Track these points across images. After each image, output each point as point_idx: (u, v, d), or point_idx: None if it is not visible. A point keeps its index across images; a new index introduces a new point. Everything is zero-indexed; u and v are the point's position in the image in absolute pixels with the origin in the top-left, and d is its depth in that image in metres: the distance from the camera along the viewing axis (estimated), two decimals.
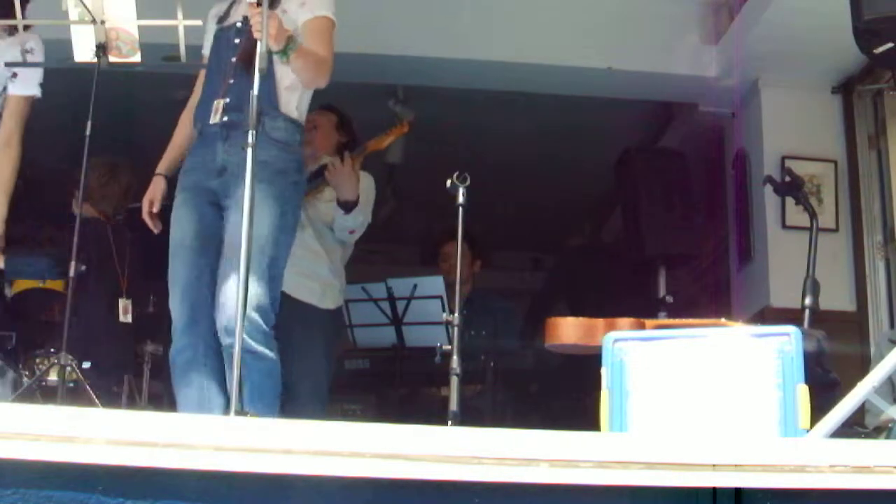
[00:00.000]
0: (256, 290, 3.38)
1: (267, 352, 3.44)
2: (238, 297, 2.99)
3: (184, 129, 3.84)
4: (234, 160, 3.50)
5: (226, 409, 3.36)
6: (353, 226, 4.44)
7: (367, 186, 4.53)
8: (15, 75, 3.91)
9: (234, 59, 3.59)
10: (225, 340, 3.40)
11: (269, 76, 3.50)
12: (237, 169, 3.46)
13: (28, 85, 3.94)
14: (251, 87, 3.21)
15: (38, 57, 3.93)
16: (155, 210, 3.73)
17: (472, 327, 5.00)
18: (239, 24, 3.66)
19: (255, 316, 3.39)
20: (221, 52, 3.69)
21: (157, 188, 3.76)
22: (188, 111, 3.82)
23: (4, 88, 3.94)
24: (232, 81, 3.58)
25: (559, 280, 6.97)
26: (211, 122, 3.57)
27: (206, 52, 3.78)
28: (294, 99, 3.67)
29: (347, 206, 4.35)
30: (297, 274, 4.28)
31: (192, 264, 3.53)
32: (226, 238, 3.49)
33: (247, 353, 3.34)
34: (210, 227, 3.55)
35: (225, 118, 3.56)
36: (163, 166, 3.83)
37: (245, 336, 3.27)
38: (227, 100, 3.56)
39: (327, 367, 4.44)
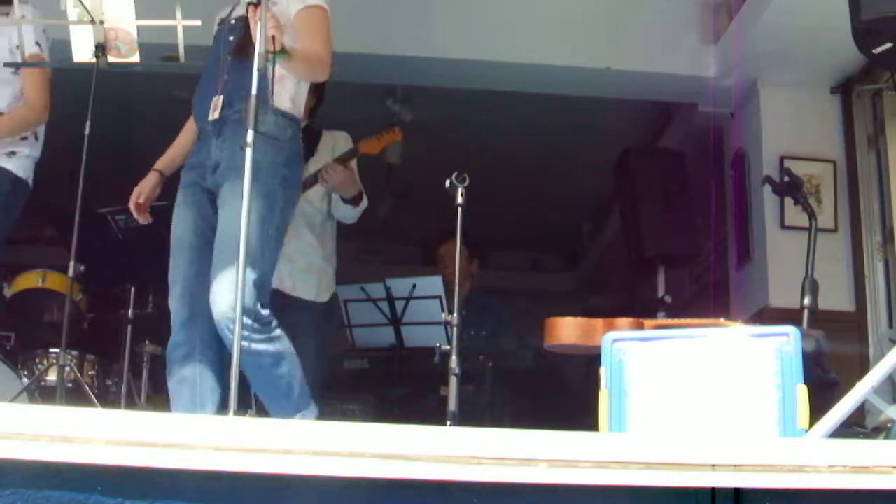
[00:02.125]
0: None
1: (260, 347, 3.37)
2: (238, 298, 2.99)
3: (188, 130, 3.86)
4: (225, 156, 3.50)
5: (219, 407, 3.38)
6: (359, 213, 4.58)
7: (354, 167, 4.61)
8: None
9: (228, 56, 3.58)
10: (222, 332, 3.38)
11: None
12: (227, 164, 3.47)
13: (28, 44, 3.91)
14: (244, 80, 3.18)
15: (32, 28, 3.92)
16: (141, 201, 3.75)
17: (470, 327, 5.00)
18: (233, 22, 3.65)
19: (245, 319, 3.36)
20: (219, 50, 3.68)
21: (148, 182, 3.79)
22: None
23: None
24: (226, 77, 3.58)
25: None
26: (209, 119, 3.56)
27: None
28: (287, 90, 3.61)
29: (354, 201, 4.44)
30: (295, 270, 4.32)
31: (190, 261, 3.53)
32: (217, 238, 3.47)
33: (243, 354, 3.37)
34: (210, 224, 3.54)
35: (217, 115, 3.55)
36: (161, 163, 3.84)
37: (223, 329, 3.32)
38: (222, 96, 3.55)
39: (321, 363, 4.48)
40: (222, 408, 3.06)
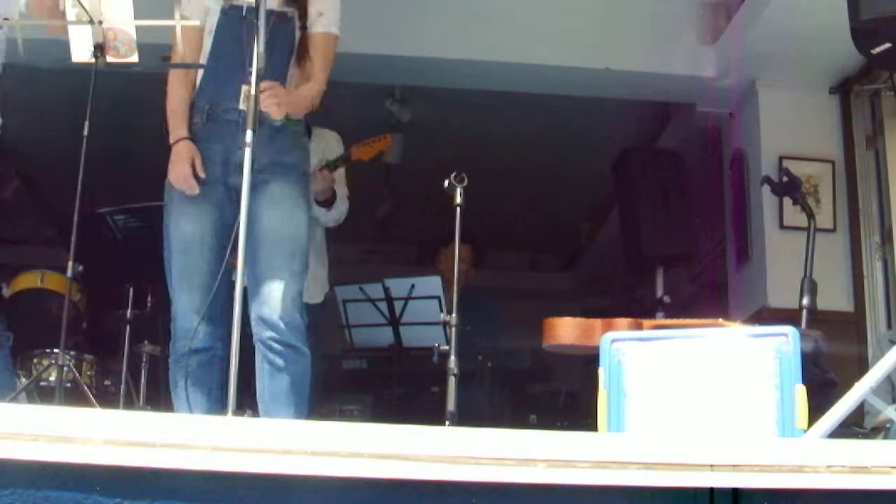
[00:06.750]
0: (295, 290, 3.44)
1: (305, 349, 3.45)
2: (237, 297, 2.98)
3: (184, 86, 3.62)
4: (268, 152, 3.39)
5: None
6: (338, 217, 4.53)
7: (339, 173, 4.55)
8: None
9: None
10: (263, 333, 3.38)
11: (283, 79, 3.51)
12: (267, 165, 3.39)
13: None
14: (275, 76, 3.30)
15: None
16: (200, 173, 3.47)
17: (464, 323, 5.00)
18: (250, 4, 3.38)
19: (297, 315, 3.42)
20: (235, 31, 3.48)
21: (193, 151, 3.50)
22: (184, 75, 3.62)
23: None
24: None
25: None
26: (240, 106, 3.30)
27: (201, 22, 3.61)
28: None
29: (327, 203, 4.41)
30: None
31: (211, 262, 3.43)
32: (265, 234, 3.41)
33: (289, 349, 3.40)
34: (231, 224, 3.25)
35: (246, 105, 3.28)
36: (184, 129, 3.57)
37: (284, 333, 3.38)
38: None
39: (319, 365, 4.47)
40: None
